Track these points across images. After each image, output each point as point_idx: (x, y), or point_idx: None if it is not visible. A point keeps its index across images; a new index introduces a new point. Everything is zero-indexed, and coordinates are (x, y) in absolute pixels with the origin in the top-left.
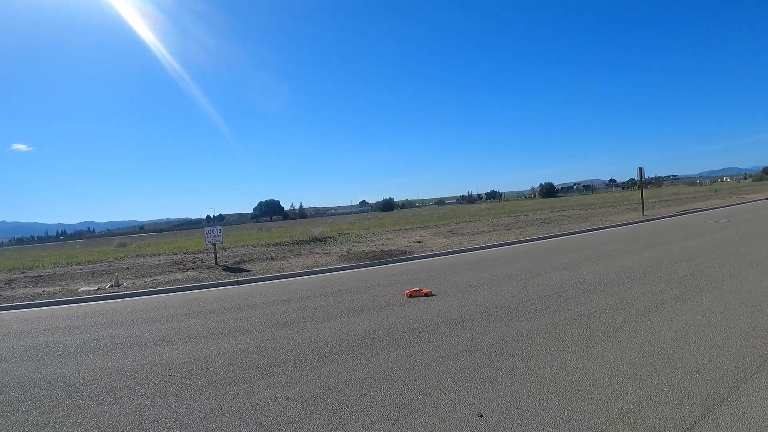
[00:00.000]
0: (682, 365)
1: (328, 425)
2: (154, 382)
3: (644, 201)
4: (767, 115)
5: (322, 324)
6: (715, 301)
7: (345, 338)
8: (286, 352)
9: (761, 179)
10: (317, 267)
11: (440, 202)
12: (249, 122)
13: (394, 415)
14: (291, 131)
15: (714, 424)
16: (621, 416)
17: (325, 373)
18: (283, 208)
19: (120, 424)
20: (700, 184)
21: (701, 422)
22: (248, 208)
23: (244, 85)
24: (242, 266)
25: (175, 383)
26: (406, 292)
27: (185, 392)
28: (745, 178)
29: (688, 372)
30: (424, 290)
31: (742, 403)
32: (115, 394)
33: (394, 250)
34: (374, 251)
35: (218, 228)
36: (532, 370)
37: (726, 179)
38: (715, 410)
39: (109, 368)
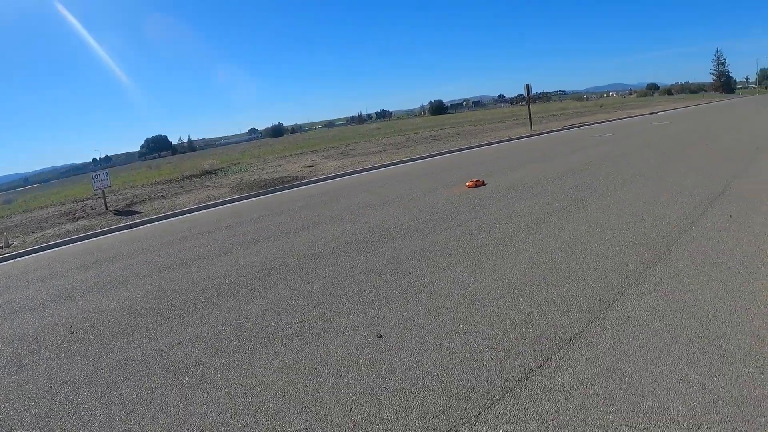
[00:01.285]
0: (570, 274)
1: (234, 362)
2: (57, 343)
3: (532, 116)
4: (653, 34)
5: (219, 259)
6: (600, 212)
7: (242, 271)
8: (186, 293)
9: (645, 95)
10: (210, 201)
11: (330, 124)
12: (131, 55)
13: (297, 344)
14: (175, 62)
15: (601, 329)
16: (513, 326)
17: (225, 309)
18: (171, 143)
19: (30, 392)
20: (587, 99)
21: (589, 327)
22: (135, 146)
23: (123, 13)
24: (134, 208)
25: (78, 341)
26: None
27: (90, 348)
28: (631, 94)
29: (575, 281)
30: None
31: (627, 307)
32: (20, 361)
33: (286, 177)
34: (266, 179)
35: (105, 171)
36: (427, 287)
37: (612, 95)
38: (601, 316)
39: (10, 336)
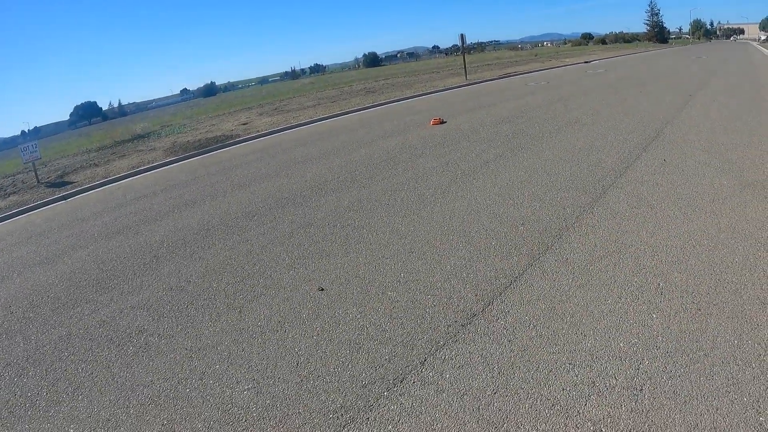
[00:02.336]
0: (508, 219)
1: (177, 326)
2: None
3: (467, 66)
4: None
5: (156, 224)
6: (536, 157)
7: (180, 234)
8: (124, 260)
9: (580, 45)
10: (144, 165)
11: (264, 80)
12: (54, 19)
13: (239, 303)
14: (100, 23)
15: (540, 271)
16: (454, 272)
17: (165, 274)
18: (102, 108)
19: None
20: (522, 49)
21: (528, 270)
22: (65, 115)
23: None
24: (66, 179)
25: (18, 320)
26: None
27: (30, 326)
28: (565, 44)
29: (513, 225)
30: None
31: (565, 249)
32: None
33: (220, 136)
34: (200, 140)
35: (33, 143)
36: (366, 238)
37: (547, 44)
38: (540, 258)
39: None
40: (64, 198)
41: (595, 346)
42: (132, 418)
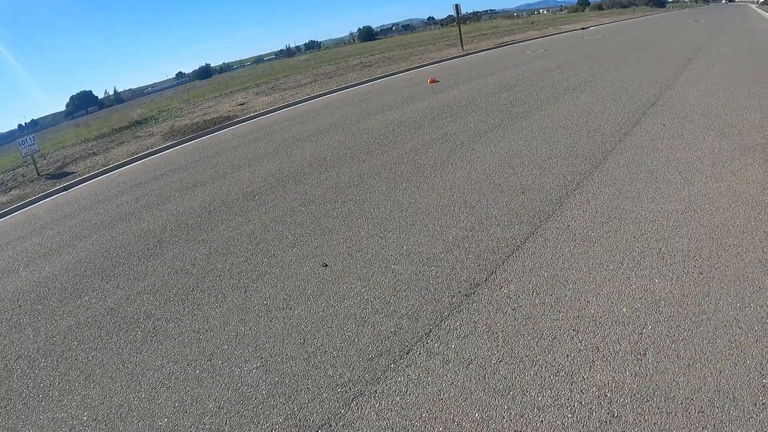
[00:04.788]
0: (508, 189)
1: (184, 309)
2: (6, 318)
3: (463, 36)
4: None
5: (158, 209)
6: (535, 126)
7: (182, 218)
8: (128, 247)
9: (576, 11)
10: (143, 152)
11: (259, 60)
12: (43, 9)
13: (244, 283)
14: (91, 11)
15: (542, 239)
16: (456, 242)
17: (169, 258)
18: (98, 97)
19: None
20: (518, 17)
21: (530, 239)
22: (61, 106)
23: None
24: (66, 170)
25: (27, 313)
26: None
27: (39, 318)
28: (562, 10)
29: (514, 194)
30: None
31: (566, 217)
32: None
33: (218, 118)
34: (197, 123)
35: (31, 136)
36: (368, 212)
37: (543, 12)
38: (542, 226)
39: None
40: (65, 189)
41: (598, 312)
42: (144, 402)
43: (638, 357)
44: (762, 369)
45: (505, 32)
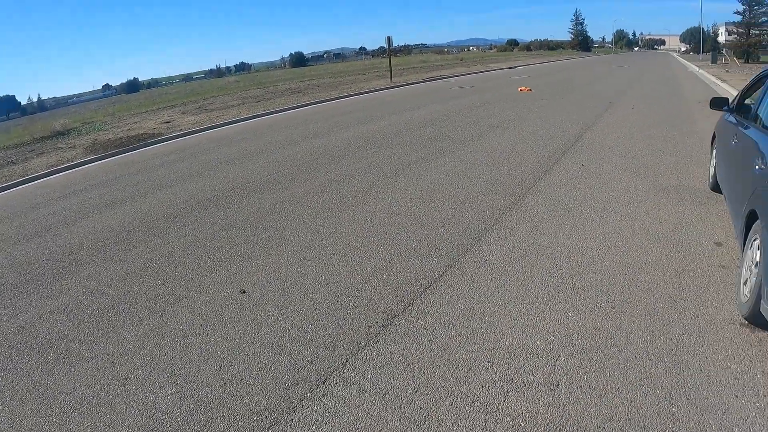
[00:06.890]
0: (429, 221)
1: (98, 331)
2: None
3: (392, 69)
4: None
5: (75, 225)
6: (458, 161)
7: (100, 236)
8: (42, 264)
9: (505, 50)
10: (63, 164)
11: (188, 78)
12: None
13: (161, 307)
14: (19, 16)
15: (460, 272)
16: (375, 273)
17: (84, 277)
18: (20, 103)
19: None
20: (448, 53)
21: (449, 271)
22: None
23: None
24: None
25: None
26: None
27: None
28: (491, 49)
29: (433, 227)
30: None
31: (484, 251)
32: None
33: (142, 134)
34: (121, 138)
35: None
36: (288, 240)
37: (473, 49)
38: (460, 260)
39: None
40: None
41: (513, 345)
42: (55, 426)
43: (551, 388)
44: (671, 398)
45: (435, 67)
